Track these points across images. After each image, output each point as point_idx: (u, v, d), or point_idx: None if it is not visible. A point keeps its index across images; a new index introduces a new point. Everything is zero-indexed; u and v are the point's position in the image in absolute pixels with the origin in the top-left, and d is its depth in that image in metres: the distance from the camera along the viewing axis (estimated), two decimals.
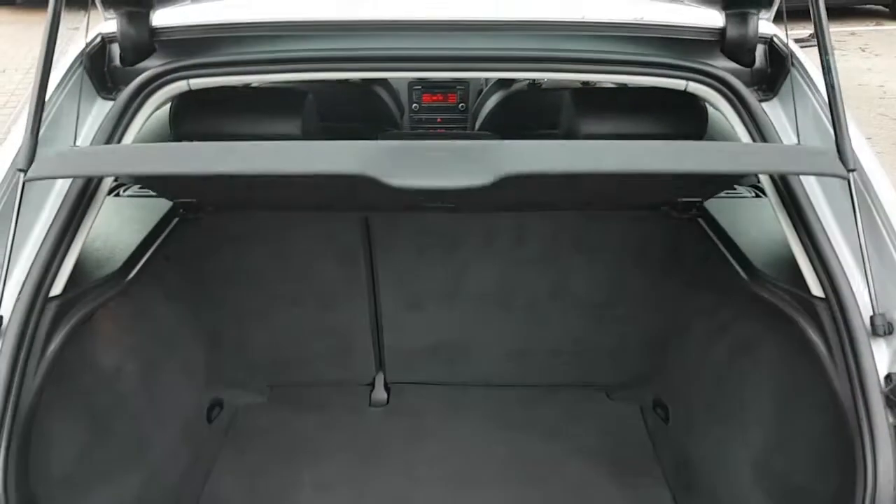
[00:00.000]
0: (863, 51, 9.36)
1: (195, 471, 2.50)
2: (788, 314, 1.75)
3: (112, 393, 2.09)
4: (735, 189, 2.43)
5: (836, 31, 9.05)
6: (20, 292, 1.59)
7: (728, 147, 1.87)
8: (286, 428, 2.76)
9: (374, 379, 2.93)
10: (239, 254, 2.50)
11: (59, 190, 1.72)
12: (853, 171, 1.59)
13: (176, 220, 2.23)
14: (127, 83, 1.83)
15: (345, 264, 2.56)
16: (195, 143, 1.89)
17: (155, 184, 1.99)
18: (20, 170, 1.57)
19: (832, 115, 1.62)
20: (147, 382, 2.27)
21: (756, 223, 2.12)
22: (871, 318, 1.57)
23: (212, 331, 2.68)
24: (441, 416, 2.82)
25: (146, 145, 1.97)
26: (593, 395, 2.90)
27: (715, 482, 2.24)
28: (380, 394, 2.92)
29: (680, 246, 2.43)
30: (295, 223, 2.45)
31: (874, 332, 1.56)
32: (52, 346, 1.63)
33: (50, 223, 1.68)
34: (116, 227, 2.09)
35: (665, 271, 2.51)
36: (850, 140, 1.60)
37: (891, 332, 1.56)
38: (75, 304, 1.72)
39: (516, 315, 2.69)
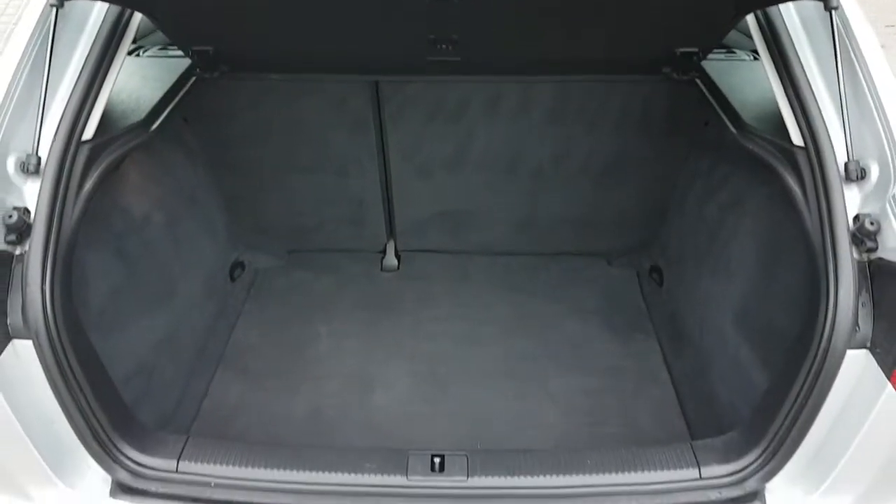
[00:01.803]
0: None
1: (220, 321, 2.71)
2: (771, 164, 1.85)
3: (140, 239, 2.26)
4: (734, 52, 2.48)
5: None
6: (55, 135, 1.73)
7: None
8: (304, 288, 2.95)
9: (385, 246, 3.09)
10: (254, 118, 2.61)
11: (87, 38, 1.83)
12: (836, 8, 1.65)
13: (193, 78, 2.34)
14: None
15: (356, 132, 2.67)
16: None
17: (170, 24, 2.06)
18: (52, 4, 1.68)
19: None
20: (172, 234, 2.44)
21: (751, 84, 2.18)
22: (846, 164, 1.67)
23: (231, 195, 2.83)
24: (448, 281, 2.99)
25: None
26: (594, 261, 3.05)
27: (700, 332, 2.41)
28: (391, 260, 3.09)
29: (679, 109, 2.50)
30: (308, 90, 2.54)
31: (847, 178, 1.66)
32: (87, 187, 1.78)
33: (79, 72, 1.80)
34: (138, 84, 2.21)
35: (665, 136, 2.60)
36: None
37: (863, 177, 1.66)
38: (105, 149, 1.86)
39: (521, 183, 2.81)
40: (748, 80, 2.22)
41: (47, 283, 1.64)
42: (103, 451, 1.71)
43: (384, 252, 3.10)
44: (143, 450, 1.75)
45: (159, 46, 2.53)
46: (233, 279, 2.93)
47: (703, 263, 2.45)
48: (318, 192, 2.87)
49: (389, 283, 3.02)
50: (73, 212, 1.74)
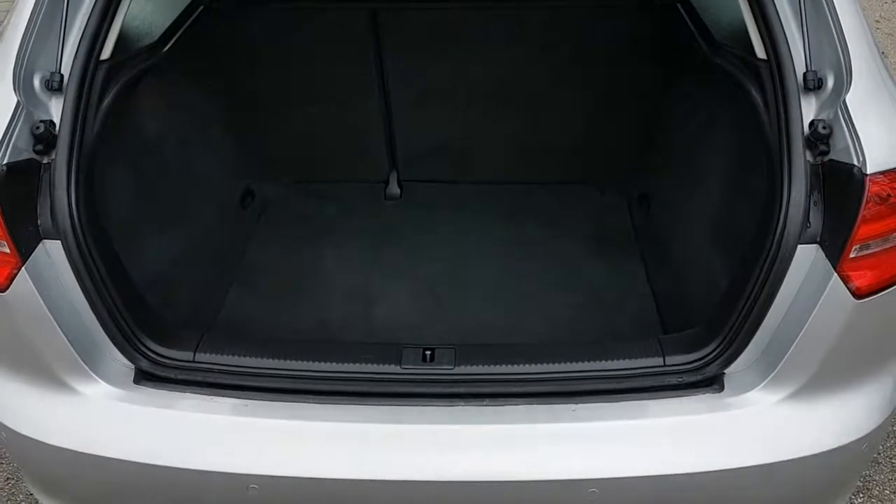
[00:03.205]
0: None
1: (233, 244, 2.89)
2: (738, 78, 1.97)
3: (155, 160, 2.43)
4: None
5: None
6: (76, 54, 1.88)
7: None
8: (311, 215, 3.12)
9: (388, 176, 3.25)
10: (258, 49, 2.76)
11: None
12: None
13: (201, 7, 2.48)
14: None
15: (356, 62, 2.81)
16: None
17: None
18: None
19: None
20: (185, 158, 2.61)
21: (728, 5, 2.29)
22: (804, 74, 1.78)
23: (239, 125, 2.99)
24: (448, 208, 3.15)
25: None
26: (587, 190, 3.20)
27: (681, 249, 2.56)
28: (393, 189, 3.25)
29: (663, 34, 2.62)
30: (308, 19, 2.68)
31: (805, 87, 1.77)
32: (105, 104, 1.94)
33: None
34: (151, 9, 2.35)
35: (651, 63, 2.72)
36: None
37: (820, 87, 1.77)
38: (122, 68, 2.01)
39: (516, 111, 2.94)
40: (725, 3, 2.33)
41: (73, 188, 1.80)
42: (126, 342, 1.88)
43: (387, 181, 3.26)
44: (162, 342, 1.93)
45: None
46: (243, 207, 3.10)
47: (684, 184, 2.58)
48: (322, 123, 3.02)
49: (392, 210, 3.18)
50: (94, 125, 1.90)
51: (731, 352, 1.83)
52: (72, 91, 1.85)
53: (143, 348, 1.91)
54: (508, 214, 3.10)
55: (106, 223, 2.00)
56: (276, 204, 3.18)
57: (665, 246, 2.71)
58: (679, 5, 2.41)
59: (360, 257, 2.87)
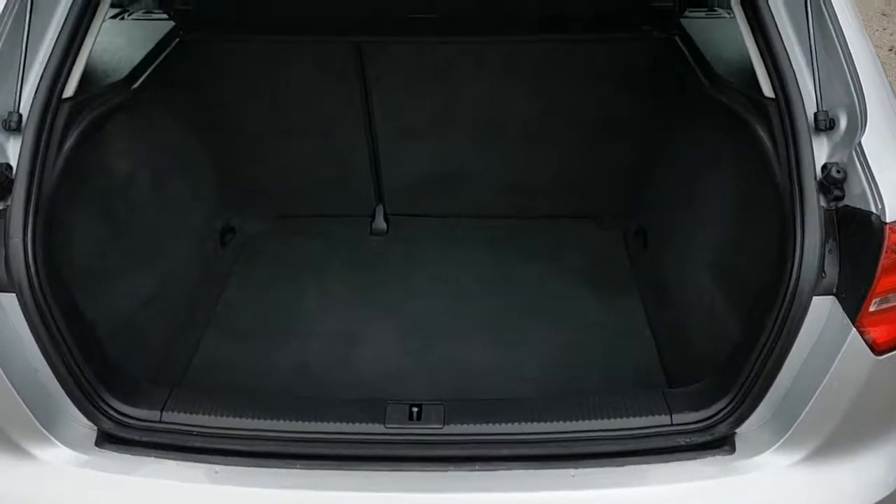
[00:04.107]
0: None
1: (210, 283, 2.75)
2: (743, 116, 1.87)
3: (126, 199, 2.30)
4: (715, 11, 2.49)
5: None
6: (36, 93, 1.75)
7: None
8: (293, 252, 2.99)
9: (374, 210, 3.12)
10: (239, 81, 2.64)
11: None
12: None
13: (177, 40, 2.36)
14: None
15: (341, 94, 2.69)
16: None
17: None
18: None
19: None
20: (160, 195, 2.48)
21: (729, 40, 2.20)
22: (815, 114, 1.68)
23: (220, 158, 2.87)
24: (436, 243, 3.02)
25: None
26: (581, 224, 3.08)
27: (680, 288, 2.44)
28: (380, 223, 3.12)
29: (661, 68, 2.52)
30: (291, 52, 2.56)
31: (817, 128, 1.67)
32: (68, 144, 1.81)
33: (59, 31, 1.82)
34: (122, 44, 2.24)
35: (648, 95, 2.62)
36: None
37: (832, 128, 1.67)
38: (86, 107, 1.89)
39: (508, 144, 2.83)
40: (727, 36, 2.24)
41: (29, 237, 1.67)
42: (88, 401, 1.74)
43: (373, 216, 3.13)
44: (127, 401, 1.79)
45: (143, 10, 2.55)
46: (223, 243, 2.97)
47: (684, 220, 2.47)
48: (306, 156, 2.90)
49: (378, 245, 3.05)
50: (55, 168, 1.77)
51: (743, 410, 1.70)
52: (30, 131, 1.73)
53: (105, 407, 1.77)
54: (500, 250, 2.98)
55: (68, 270, 1.87)
56: (258, 240, 3.05)
57: (664, 284, 2.59)
58: (678, 38, 2.31)
59: (343, 296, 2.74)
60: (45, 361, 1.69)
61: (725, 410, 1.72)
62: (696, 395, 1.80)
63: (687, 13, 2.30)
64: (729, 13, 2.46)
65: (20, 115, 1.72)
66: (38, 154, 1.72)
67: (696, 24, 2.34)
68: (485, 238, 3.04)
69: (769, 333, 1.66)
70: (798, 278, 1.60)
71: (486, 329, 2.56)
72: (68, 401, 1.74)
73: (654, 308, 2.60)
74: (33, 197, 1.69)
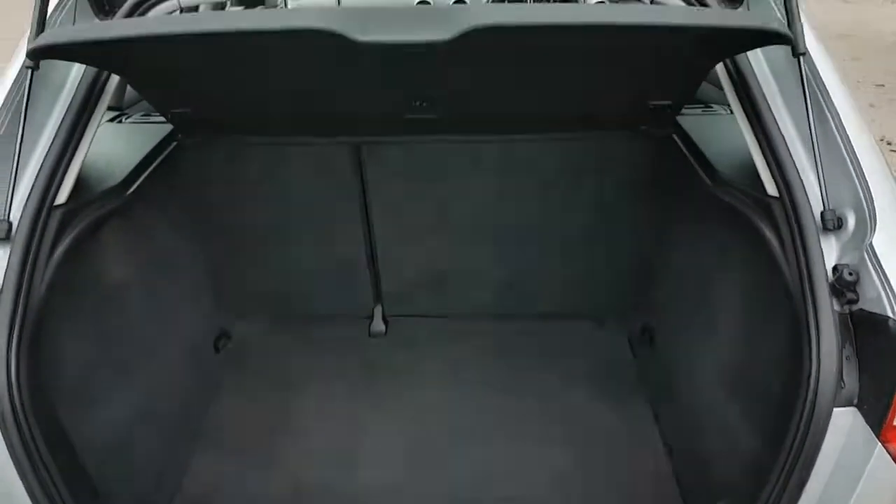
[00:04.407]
0: None
1: (203, 393, 2.65)
2: (747, 215, 1.83)
3: (118, 310, 2.23)
4: (711, 108, 2.49)
5: None
6: (27, 200, 1.72)
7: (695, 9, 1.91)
8: (289, 357, 2.90)
9: (372, 311, 3.05)
10: (236, 184, 2.62)
11: (64, 101, 1.84)
12: (803, 54, 1.66)
13: (174, 144, 2.35)
14: (122, 4, 1.94)
15: (340, 197, 2.67)
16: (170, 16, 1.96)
17: (146, 86, 2.06)
18: (28, 66, 1.70)
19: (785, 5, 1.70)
20: (153, 304, 2.41)
21: (727, 137, 2.18)
22: (822, 213, 1.64)
23: (217, 262, 2.82)
24: (437, 345, 2.94)
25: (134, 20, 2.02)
26: (584, 324, 3.00)
27: (690, 395, 2.34)
28: (378, 325, 3.05)
29: (659, 165, 2.50)
30: (289, 154, 2.56)
31: (824, 227, 1.63)
32: (58, 252, 1.76)
33: (53, 136, 1.80)
34: (119, 149, 2.22)
35: (647, 192, 2.59)
36: (801, 26, 1.67)
37: (840, 227, 1.62)
38: (79, 214, 1.85)
39: (504, 244, 2.79)
40: (725, 133, 2.22)
41: (13, 358, 1.59)
42: None
43: (371, 317, 3.06)
44: None
45: (142, 113, 2.55)
46: (217, 350, 2.88)
47: (692, 322, 2.40)
48: (304, 258, 2.85)
49: (377, 348, 2.97)
50: (44, 279, 1.71)
51: None
52: (20, 240, 1.68)
53: None
54: (502, 352, 2.89)
55: (56, 389, 1.78)
56: (253, 344, 2.97)
57: (673, 389, 2.49)
58: (676, 137, 2.30)
59: (341, 407, 2.63)
60: (25, 493, 1.58)
61: None
62: None
63: (683, 111, 2.29)
64: (725, 109, 2.47)
65: (10, 224, 1.68)
66: (26, 265, 1.67)
67: (693, 121, 2.33)
68: (485, 340, 2.95)
69: (789, 449, 1.56)
70: (816, 389, 1.52)
71: (492, 441, 2.45)
72: None
73: (665, 415, 2.50)
74: (19, 313, 1.63)
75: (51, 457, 1.59)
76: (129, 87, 2.66)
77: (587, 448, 2.40)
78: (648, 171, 2.54)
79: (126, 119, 2.53)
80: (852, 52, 7.29)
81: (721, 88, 1.96)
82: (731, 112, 2.40)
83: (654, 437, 2.44)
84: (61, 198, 1.78)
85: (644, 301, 2.85)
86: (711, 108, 2.51)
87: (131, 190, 2.09)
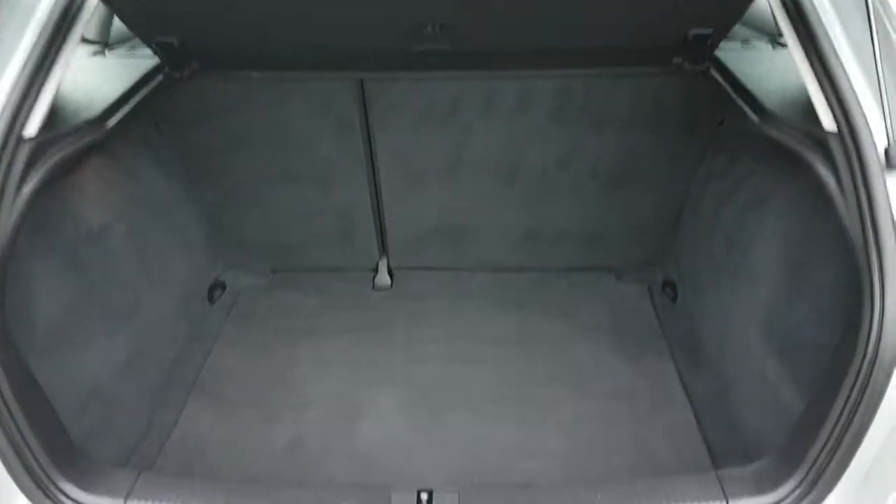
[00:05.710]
0: None
1: (195, 345, 2.50)
2: (800, 153, 1.64)
3: (99, 251, 2.06)
4: (749, 42, 2.29)
5: None
6: None
7: None
8: (289, 310, 2.74)
9: (377, 264, 2.89)
10: (231, 123, 2.43)
11: (35, 27, 1.64)
12: None
13: (160, 76, 2.15)
14: None
15: (342, 137, 2.48)
16: None
17: (127, 9, 1.85)
18: None
19: None
20: (138, 247, 2.24)
21: (772, 72, 1.99)
22: (886, 150, 1.46)
23: (210, 209, 2.64)
24: (445, 300, 2.78)
25: None
26: (603, 276, 2.84)
27: (720, 349, 2.18)
28: (383, 278, 2.88)
29: (693, 104, 2.31)
30: (288, 91, 2.36)
31: (889, 165, 1.46)
32: (27, 189, 1.58)
33: (23, 63, 1.61)
34: (99, 82, 2.03)
35: (678, 135, 2.40)
36: None
37: None
38: (51, 147, 1.66)
39: (523, 191, 2.61)
40: (767, 69, 2.03)
41: None
42: (38, 488, 1.49)
43: (376, 270, 2.89)
44: (86, 487, 1.53)
45: (128, 46, 2.35)
46: (211, 300, 2.72)
47: (722, 273, 2.23)
48: (304, 204, 2.68)
49: (381, 302, 2.80)
50: (11, 215, 1.54)
51: (816, 495, 1.46)
52: None
53: (59, 495, 1.51)
54: (514, 307, 2.73)
55: (25, 333, 1.63)
56: (250, 296, 2.80)
57: (699, 343, 2.33)
58: (714, 71, 2.10)
59: (343, 360, 2.47)
60: None
61: (794, 495, 1.47)
62: (756, 477, 1.54)
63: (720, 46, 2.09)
64: (767, 44, 2.26)
65: None
66: None
67: (731, 56, 2.13)
68: (497, 294, 2.79)
69: (843, 404, 1.41)
70: (878, 341, 1.37)
71: (502, 399, 2.29)
72: (16, 489, 1.48)
73: (688, 370, 2.34)
74: None
75: (18, 405, 1.45)
76: (115, 23, 2.46)
77: (602, 404, 2.25)
78: (680, 111, 2.34)
79: (109, 51, 2.33)
80: None
81: (759, 26, 1.75)
82: (773, 47, 2.21)
83: (678, 393, 2.28)
84: (31, 130, 1.60)
85: (668, 252, 2.68)
86: (749, 42, 2.30)
87: (111, 124, 1.90)
